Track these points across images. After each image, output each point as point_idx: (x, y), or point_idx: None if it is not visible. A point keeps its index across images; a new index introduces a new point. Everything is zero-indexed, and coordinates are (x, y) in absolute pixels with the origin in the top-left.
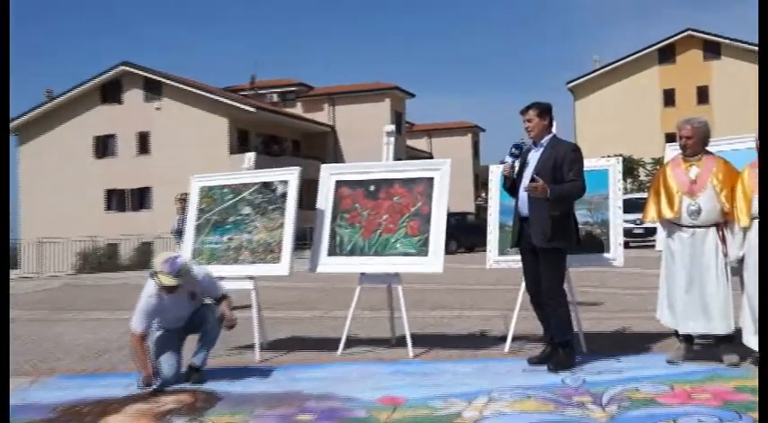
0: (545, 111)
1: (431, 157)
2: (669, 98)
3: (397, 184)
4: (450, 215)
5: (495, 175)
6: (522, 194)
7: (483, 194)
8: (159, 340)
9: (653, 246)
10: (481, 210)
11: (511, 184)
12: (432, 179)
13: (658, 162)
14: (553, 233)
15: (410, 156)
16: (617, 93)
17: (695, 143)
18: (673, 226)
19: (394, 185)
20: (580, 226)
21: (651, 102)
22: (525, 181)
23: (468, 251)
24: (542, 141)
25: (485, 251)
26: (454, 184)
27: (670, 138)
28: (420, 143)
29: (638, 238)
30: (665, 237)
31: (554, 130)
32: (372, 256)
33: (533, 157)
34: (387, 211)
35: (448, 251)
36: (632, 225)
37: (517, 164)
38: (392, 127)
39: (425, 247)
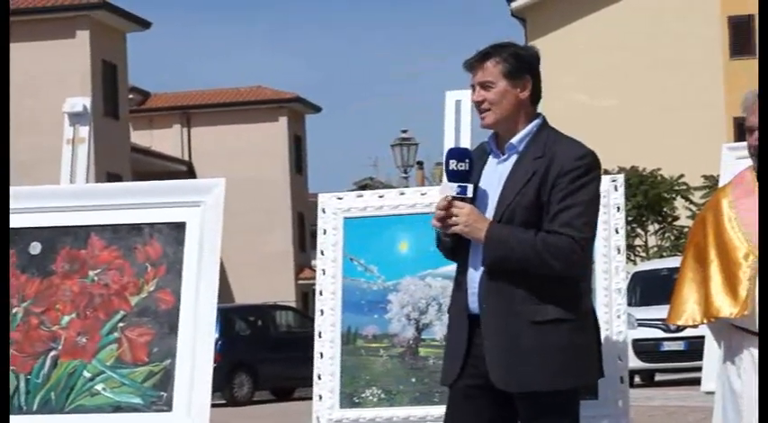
0: (522, 64)
1: (190, 172)
2: (740, 37)
3: (99, 237)
4: (235, 311)
5: (337, 218)
6: (474, 275)
7: (313, 262)
8: None
9: (698, 380)
10: (311, 298)
11: (455, 246)
12: (182, 226)
13: (715, 184)
14: (566, 354)
15: (139, 171)
16: (624, 22)
17: None
18: (740, 335)
19: (90, 242)
20: None
21: (701, 46)
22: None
23: (281, 398)
24: (514, 140)
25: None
26: (246, 235)
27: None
28: (164, 137)
29: (673, 362)
30: (721, 360)
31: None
32: (37, 414)
33: (496, 173)
34: (73, 304)
35: (231, 398)
36: (659, 332)
37: (470, 191)
38: (83, 102)
39: (165, 390)
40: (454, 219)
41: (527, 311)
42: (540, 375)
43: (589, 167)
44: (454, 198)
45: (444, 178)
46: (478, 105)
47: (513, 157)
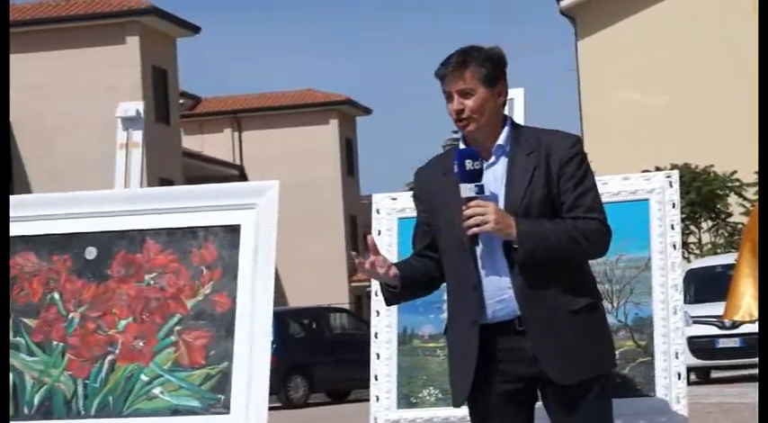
0: (496, 68)
1: (242, 176)
2: None
3: (154, 241)
4: (290, 314)
5: (391, 218)
6: (497, 282)
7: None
8: None
9: (755, 377)
10: (365, 300)
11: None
12: (237, 229)
13: None
14: (605, 336)
15: (191, 175)
16: (674, 19)
17: None
18: None
19: (146, 246)
20: None
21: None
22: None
23: (336, 400)
24: (501, 141)
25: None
26: (299, 238)
27: None
28: (215, 142)
29: (728, 359)
30: None
31: (508, 111)
32: (96, 418)
33: (487, 176)
34: (129, 308)
35: (286, 401)
36: (715, 329)
37: (487, 190)
38: (136, 106)
39: (222, 393)
40: (480, 218)
41: (565, 302)
42: (592, 362)
43: (584, 153)
44: (471, 198)
45: (457, 175)
46: (459, 114)
47: (503, 159)
